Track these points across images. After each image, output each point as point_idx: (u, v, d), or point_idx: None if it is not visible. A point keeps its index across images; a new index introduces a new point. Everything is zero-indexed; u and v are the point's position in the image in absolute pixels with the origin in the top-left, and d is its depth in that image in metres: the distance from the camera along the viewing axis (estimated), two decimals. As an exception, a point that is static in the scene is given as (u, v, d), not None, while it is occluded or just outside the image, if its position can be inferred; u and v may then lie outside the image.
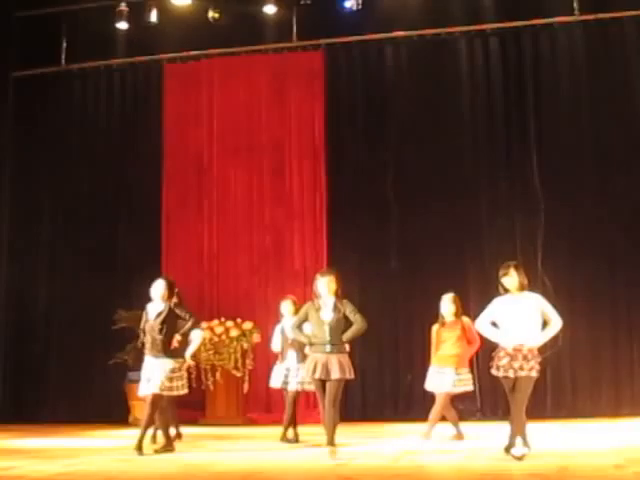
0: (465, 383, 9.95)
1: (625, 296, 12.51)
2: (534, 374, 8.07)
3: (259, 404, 13.30)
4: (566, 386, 12.39)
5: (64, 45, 14.50)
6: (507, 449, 8.09)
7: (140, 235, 14.23)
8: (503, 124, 13.32)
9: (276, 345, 10.60)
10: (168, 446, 9.27)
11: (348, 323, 8.82)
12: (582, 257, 12.49)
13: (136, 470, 8.22)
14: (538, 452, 8.22)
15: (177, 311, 9.38)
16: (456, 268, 12.71)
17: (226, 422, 12.75)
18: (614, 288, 12.53)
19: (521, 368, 8.02)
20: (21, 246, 14.34)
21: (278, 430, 10.53)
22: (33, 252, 14.39)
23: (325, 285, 8.86)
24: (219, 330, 13.19)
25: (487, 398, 12.37)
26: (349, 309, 8.82)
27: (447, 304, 10.06)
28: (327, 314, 8.81)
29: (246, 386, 13.17)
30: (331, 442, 8.64)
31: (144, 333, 9.37)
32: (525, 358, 8.05)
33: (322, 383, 8.78)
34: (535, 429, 8.79)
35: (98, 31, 14.11)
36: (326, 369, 8.68)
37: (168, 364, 9.14)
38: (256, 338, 13.16)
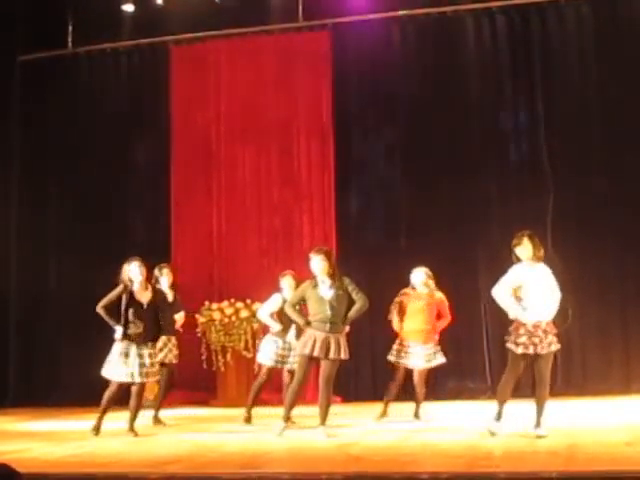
0: (437, 357, 9.96)
1: (635, 273, 12.45)
2: (553, 348, 8.11)
3: (270, 385, 13.27)
4: (576, 364, 12.37)
5: (70, 28, 14.46)
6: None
7: (149, 217, 14.25)
8: (511, 103, 13.27)
9: (267, 313, 10.44)
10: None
11: (350, 300, 8.79)
12: (592, 236, 12.44)
13: (146, 451, 8.29)
14: (549, 430, 8.24)
15: (163, 301, 9.76)
16: (466, 247, 12.70)
17: (237, 403, 12.75)
18: (624, 266, 12.47)
19: (541, 342, 8.00)
20: (30, 229, 14.35)
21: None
22: (42, 235, 14.41)
23: (317, 264, 8.81)
24: (229, 311, 13.22)
25: (497, 376, 12.32)
26: (351, 287, 8.80)
27: (419, 274, 10.01)
28: (327, 292, 8.76)
29: (256, 367, 13.19)
30: (324, 422, 8.73)
31: (127, 315, 9.45)
32: (545, 332, 8.05)
33: (309, 360, 8.76)
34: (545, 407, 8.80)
35: (104, 13, 14.05)
36: (326, 347, 8.64)
37: (153, 349, 9.48)
38: (266, 319, 13.18)
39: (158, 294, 9.75)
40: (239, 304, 13.28)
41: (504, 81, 13.27)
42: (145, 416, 10.28)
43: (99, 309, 9.56)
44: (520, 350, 8.07)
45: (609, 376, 12.18)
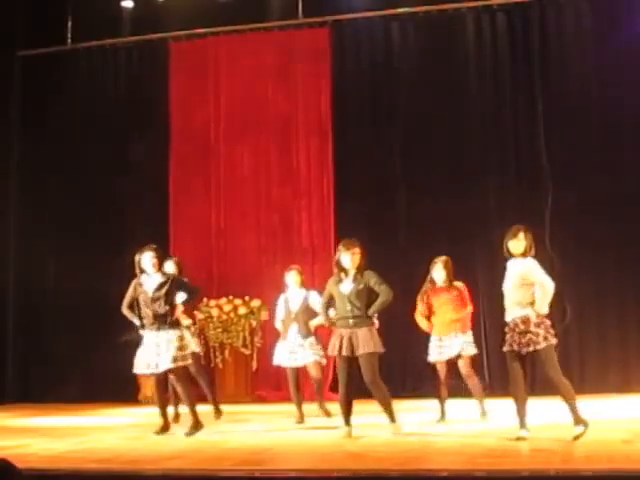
0: (472, 346, 9.74)
1: (633, 272, 12.46)
2: (552, 341, 7.75)
3: (268, 382, 13.33)
4: (574, 362, 12.36)
5: (69, 24, 14.44)
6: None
7: (148, 214, 14.22)
8: (511, 101, 13.25)
9: (278, 320, 10.30)
10: (197, 424, 8.96)
11: (375, 294, 8.47)
12: (590, 234, 12.44)
13: (145, 447, 8.29)
14: (546, 428, 8.25)
15: (183, 281, 9.34)
16: (464, 245, 12.69)
17: (235, 400, 12.78)
18: (622, 265, 12.49)
19: (519, 343, 7.75)
20: (29, 228, 14.33)
21: (287, 407, 10.57)
22: (42, 233, 14.37)
23: (350, 258, 8.49)
24: (227, 308, 13.25)
25: (495, 374, 12.37)
26: (373, 280, 8.45)
27: (439, 270, 9.79)
28: (347, 286, 8.48)
29: (255, 364, 13.22)
30: (392, 419, 8.46)
31: (138, 306, 9.16)
32: (521, 332, 7.75)
33: (343, 360, 8.44)
34: (543, 405, 8.82)
35: (103, 10, 14.05)
36: (351, 345, 8.35)
37: (173, 336, 8.97)
38: (264, 316, 13.20)
39: (167, 276, 9.27)
40: (237, 301, 13.31)
41: (504, 79, 13.28)
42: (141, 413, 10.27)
43: (123, 310, 9.35)
44: (505, 347, 7.88)
45: (607, 374, 12.20)
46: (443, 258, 9.90)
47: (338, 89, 13.74)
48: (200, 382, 10.23)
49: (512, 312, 7.92)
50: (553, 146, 12.80)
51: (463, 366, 9.68)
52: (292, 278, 10.18)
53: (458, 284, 9.90)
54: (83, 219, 14.23)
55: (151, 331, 9.06)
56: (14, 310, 14.45)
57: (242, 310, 13.22)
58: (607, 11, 12.88)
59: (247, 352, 13.18)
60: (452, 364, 9.76)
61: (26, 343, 14.30)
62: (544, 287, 7.87)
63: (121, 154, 14.35)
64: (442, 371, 9.74)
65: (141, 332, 9.22)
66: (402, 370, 12.96)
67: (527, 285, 7.89)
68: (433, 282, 9.91)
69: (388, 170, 13.50)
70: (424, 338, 10.26)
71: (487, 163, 13.09)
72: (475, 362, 10.13)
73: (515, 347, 7.82)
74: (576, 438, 7.58)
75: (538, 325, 7.77)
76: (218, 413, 10.26)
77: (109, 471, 7.07)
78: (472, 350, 9.75)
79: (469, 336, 9.78)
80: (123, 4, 14.01)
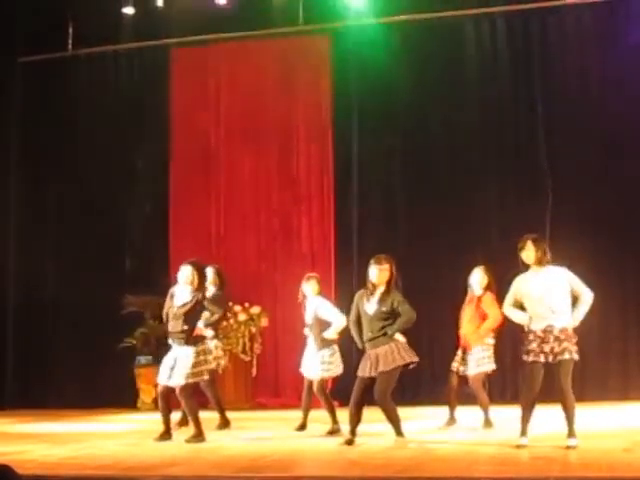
0: (487, 362, 9.60)
1: (634, 278, 12.46)
2: (576, 357, 7.80)
3: (267, 388, 13.33)
4: (574, 370, 12.32)
5: (70, 30, 14.44)
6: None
7: (148, 219, 14.24)
8: (511, 107, 13.26)
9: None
10: (199, 435, 8.94)
11: (397, 316, 8.35)
12: (591, 239, 12.42)
13: (145, 454, 8.29)
14: (546, 436, 8.24)
15: (206, 304, 9.16)
16: (464, 251, 12.66)
17: (235, 406, 12.72)
18: (623, 270, 12.49)
19: (552, 352, 7.72)
20: (29, 231, 14.34)
21: (287, 414, 10.55)
22: (41, 237, 14.39)
23: (375, 271, 8.41)
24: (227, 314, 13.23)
25: (495, 382, 12.33)
26: (397, 300, 8.31)
27: (474, 277, 9.70)
28: (371, 306, 8.37)
29: (254, 370, 13.21)
30: (398, 433, 8.40)
31: (167, 317, 9.10)
32: (557, 339, 7.75)
33: (365, 381, 8.35)
34: (543, 413, 8.79)
35: (104, 16, 14.04)
36: (372, 365, 8.30)
37: (190, 352, 8.90)
38: (264, 322, 13.20)
39: (194, 295, 9.05)
40: (237, 307, 13.27)
41: (504, 85, 13.28)
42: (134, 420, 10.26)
43: (164, 315, 9.29)
44: (530, 358, 7.82)
45: (607, 382, 12.19)
46: (481, 267, 9.80)
47: (338, 95, 13.74)
48: (207, 395, 10.12)
49: (544, 320, 7.85)
50: (554, 152, 12.80)
51: (472, 382, 9.63)
52: (311, 288, 9.77)
53: (485, 293, 9.67)
54: (83, 225, 14.21)
55: (173, 343, 9.04)
56: (13, 316, 14.43)
57: (242, 316, 13.20)
58: (608, 18, 12.90)
59: (247, 359, 13.16)
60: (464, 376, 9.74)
61: (26, 348, 14.27)
62: (584, 297, 7.96)
63: (122, 160, 14.35)
64: (454, 380, 9.70)
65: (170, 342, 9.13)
66: (401, 377, 12.89)
67: (565, 293, 7.91)
68: (471, 289, 9.82)
69: (388, 176, 13.51)
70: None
71: (487, 168, 13.10)
72: (489, 377, 10.02)
73: (542, 358, 7.77)
74: (568, 449, 7.60)
75: (572, 336, 7.87)
76: (222, 425, 10.11)
77: (108, 477, 7.08)
78: (485, 368, 9.63)
79: (486, 351, 9.61)
80: (124, 11, 13.98)
